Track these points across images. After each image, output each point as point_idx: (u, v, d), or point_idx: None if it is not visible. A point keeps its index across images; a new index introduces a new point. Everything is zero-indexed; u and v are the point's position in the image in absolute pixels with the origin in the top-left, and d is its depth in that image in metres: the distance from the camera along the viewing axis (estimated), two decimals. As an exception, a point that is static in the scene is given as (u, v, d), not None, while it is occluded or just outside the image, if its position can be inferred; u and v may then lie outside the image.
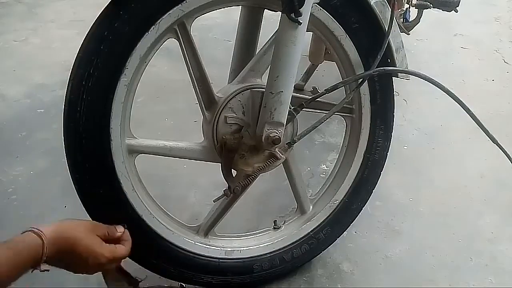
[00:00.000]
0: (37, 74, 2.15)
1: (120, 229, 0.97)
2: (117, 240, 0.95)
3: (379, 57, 1.06)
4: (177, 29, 0.96)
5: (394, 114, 1.23)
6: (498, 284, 1.32)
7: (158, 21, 0.92)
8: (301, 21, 0.91)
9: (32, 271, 0.78)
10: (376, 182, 1.28)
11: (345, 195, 1.26)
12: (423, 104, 2.05)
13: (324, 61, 1.92)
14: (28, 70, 2.19)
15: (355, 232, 1.44)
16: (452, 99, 1.09)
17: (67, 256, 0.83)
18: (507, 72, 2.40)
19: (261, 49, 1.07)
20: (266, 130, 1.02)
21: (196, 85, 1.02)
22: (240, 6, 1.13)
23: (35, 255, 0.76)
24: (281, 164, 1.14)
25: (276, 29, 0.97)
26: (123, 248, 0.95)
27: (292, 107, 1.05)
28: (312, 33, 1.17)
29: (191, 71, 1.01)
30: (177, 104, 1.95)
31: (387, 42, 1.06)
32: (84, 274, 0.89)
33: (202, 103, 1.04)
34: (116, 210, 1.02)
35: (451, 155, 1.80)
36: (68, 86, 0.92)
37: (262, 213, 1.48)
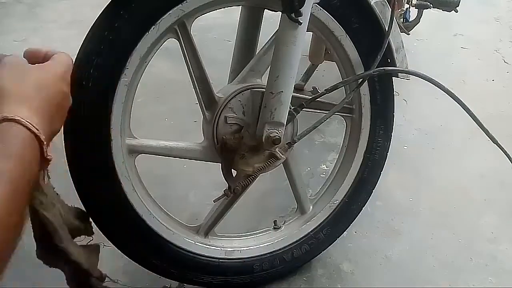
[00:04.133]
0: (37, 74, 2.15)
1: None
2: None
3: (379, 57, 1.05)
4: (178, 29, 0.96)
5: (394, 114, 1.23)
6: (498, 284, 1.32)
7: (159, 21, 0.92)
8: (301, 21, 0.91)
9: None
10: (376, 182, 1.28)
11: (345, 195, 1.26)
12: (423, 104, 2.05)
13: (324, 61, 1.92)
14: (28, 70, 2.18)
15: (355, 232, 1.44)
16: (452, 99, 1.09)
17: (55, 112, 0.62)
18: (507, 72, 2.40)
19: (261, 49, 1.07)
20: (267, 130, 1.02)
21: (196, 85, 1.02)
22: (240, 6, 1.13)
23: (35, 153, 0.56)
24: (281, 164, 1.14)
25: (276, 29, 0.97)
26: (62, 55, 0.72)
27: (292, 107, 1.04)
28: (312, 33, 1.17)
29: (191, 71, 1.01)
30: (177, 104, 1.95)
31: (387, 42, 1.06)
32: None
33: (202, 103, 1.04)
34: (116, 210, 1.02)
35: (451, 155, 1.80)
36: (68, 86, 0.92)
37: (262, 213, 1.48)
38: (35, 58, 0.69)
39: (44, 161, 0.57)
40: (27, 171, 0.54)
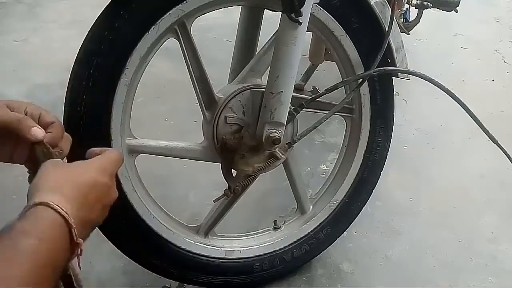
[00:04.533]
0: (37, 74, 2.15)
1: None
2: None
3: (379, 57, 1.05)
4: (178, 29, 0.96)
5: (394, 114, 1.23)
6: (498, 284, 1.32)
7: (159, 21, 0.92)
8: (301, 21, 0.91)
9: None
10: (376, 182, 1.28)
11: (345, 195, 1.26)
12: (423, 104, 2.05)
13: (324, 61, 1.92)
14: (28, 70, 2.18)
15: (355, 232, 1.44)
16: (452, 99, 1.09)
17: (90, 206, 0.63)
18: (507, 72, 2.40)
19: (261, 49, 1.07)
20: (267, 130, 1.02)
21: (196, 85, 1.02)
22: (240, 6, 1.13)
23: (64, 235, 0.57)
24: (281, 164, 1.14)
25: (276, 29, 0.97)
26: (111, 150, 0.75)
27: (292, 107, 1.04)
28: (312, 33, 1.17)
29: (191, 71, 1.01)
30: (177, 104, 1.95)
31: (387, 42, 1.06)
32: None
33: (202, 103, 1.04)
34: (116, 210, 1.02)
35: (451, 155, 1.80)
36: (68, 86, 0.92)
37: (262, 213, 1.48)
38: (93, 156, 0.73)
39: (74, 245, 0.58)
40: (52, 251, 0.55)
